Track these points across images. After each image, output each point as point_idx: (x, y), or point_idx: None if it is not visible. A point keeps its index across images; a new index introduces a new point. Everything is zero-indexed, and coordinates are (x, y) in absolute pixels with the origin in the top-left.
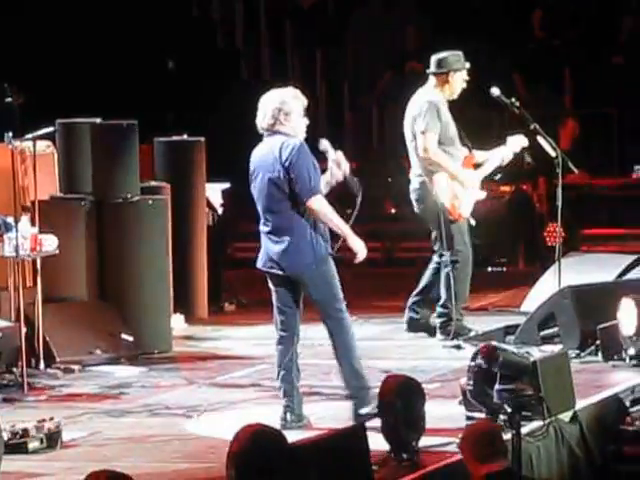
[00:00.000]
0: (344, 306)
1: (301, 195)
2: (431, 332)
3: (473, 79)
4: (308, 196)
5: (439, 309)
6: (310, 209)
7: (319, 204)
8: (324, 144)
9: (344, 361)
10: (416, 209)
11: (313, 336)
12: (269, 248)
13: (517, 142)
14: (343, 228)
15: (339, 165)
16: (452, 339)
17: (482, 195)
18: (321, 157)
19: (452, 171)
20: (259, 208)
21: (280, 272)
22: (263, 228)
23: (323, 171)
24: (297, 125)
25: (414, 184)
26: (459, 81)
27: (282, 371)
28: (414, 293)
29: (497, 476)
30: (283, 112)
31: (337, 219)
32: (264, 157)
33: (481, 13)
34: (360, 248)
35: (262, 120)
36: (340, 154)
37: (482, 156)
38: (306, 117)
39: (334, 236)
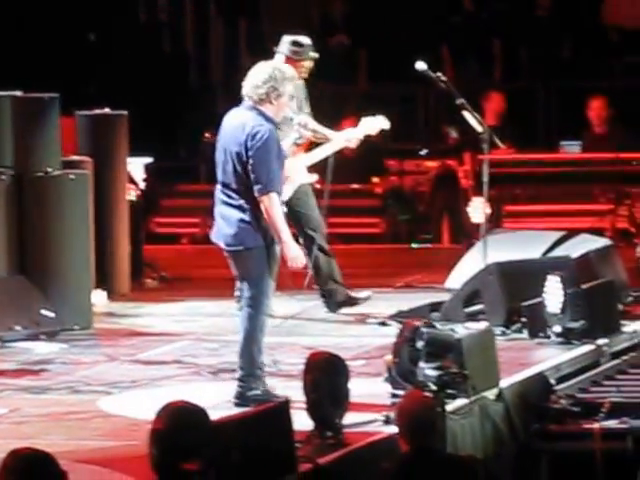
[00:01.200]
0: (269, 299)
1: (255, 187)
2: (350, 303)
3: (397, 53)
4: (261, 191)
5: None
6: (261, 204)
7: (269, 203)
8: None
9: (244, 347)
10: None
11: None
12: (220, 220)
13: (373, 124)
14: (283, 234)
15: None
16: (339, 308)
17: (310, 179)
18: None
19: None
20: (218, 176)
21: (224, 246)
22: (219, 197)
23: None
24: (281, 108)
25: None
26: (300, 69)
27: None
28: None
29: (420, 451)
30: (277, 93)
31: (281, 223)
32: (235, 130)
33: None
34: (294, 256)
35: (251, 88)
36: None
37: (328, 135)
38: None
39: None
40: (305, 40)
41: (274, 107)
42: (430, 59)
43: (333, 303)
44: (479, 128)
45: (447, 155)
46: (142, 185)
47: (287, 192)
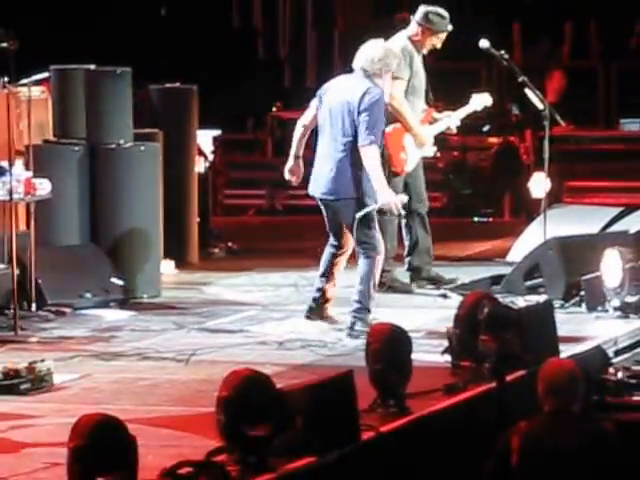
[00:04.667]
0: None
1: (362, 138)
2: (435, 281)
3: (461, 31)
4: (366, 142)
5: None
6: (363, 154)
7: (372, 153)
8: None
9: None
10: None
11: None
12: (327, 171)
13: (480, 101)
14: (381, 182)
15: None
16: (385, 290)
17: (432, 152)
18: None
19: (409, 124)
20: (327, 133)
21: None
22: (326, 151)
23: None
24: (386, 81)
25: None
26: (431, 40)
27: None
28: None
29: (559, 413)
30: (387, 68)
31: (379, 173)
32: (351, 91)
33: None
34: (387, 201)
35: (366, 62)
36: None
37: (441, 115)
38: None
39: None
40: (444, 12)
41: (381, 80)
42: (499, 37)
43: (420, 278)
44: (540, 105)
45: (509, 131)
46: (210, 157)
47: (414, 161)
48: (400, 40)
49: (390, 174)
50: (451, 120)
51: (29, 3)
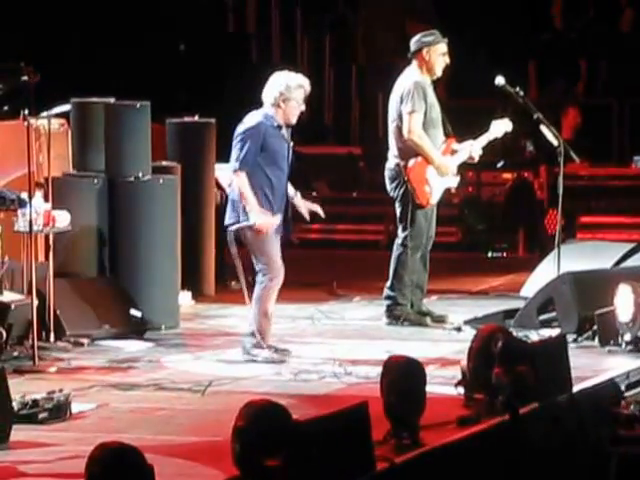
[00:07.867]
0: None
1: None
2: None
3: (476, 68)
4: (232, 169)
5: (386, 291)
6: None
7: (238, 180)
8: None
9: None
10: (388, 187)
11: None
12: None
13: (501, 127)
14: (249, 205)
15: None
16: (400, 323)
17: (455, 182)
18: None
19: (431, 156)
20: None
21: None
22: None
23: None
24: (290, 112)
25: (390, 163)
26: (435, 57)
27: None
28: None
29: None
30: (283, 97)
31: (247, 196)
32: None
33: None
34: (259, 224)
35: (264, 95)
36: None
37: (462, 145)
38: (304, 104)
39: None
40: (432, 31)
41: (283, 110)
42: (515, 75)
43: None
44: (555, 142)
45: (523, 167)
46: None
47: (438, 193)
48: (411, 74)
49: (415, 207)
50: (473, 148)
51: (50, 37)
